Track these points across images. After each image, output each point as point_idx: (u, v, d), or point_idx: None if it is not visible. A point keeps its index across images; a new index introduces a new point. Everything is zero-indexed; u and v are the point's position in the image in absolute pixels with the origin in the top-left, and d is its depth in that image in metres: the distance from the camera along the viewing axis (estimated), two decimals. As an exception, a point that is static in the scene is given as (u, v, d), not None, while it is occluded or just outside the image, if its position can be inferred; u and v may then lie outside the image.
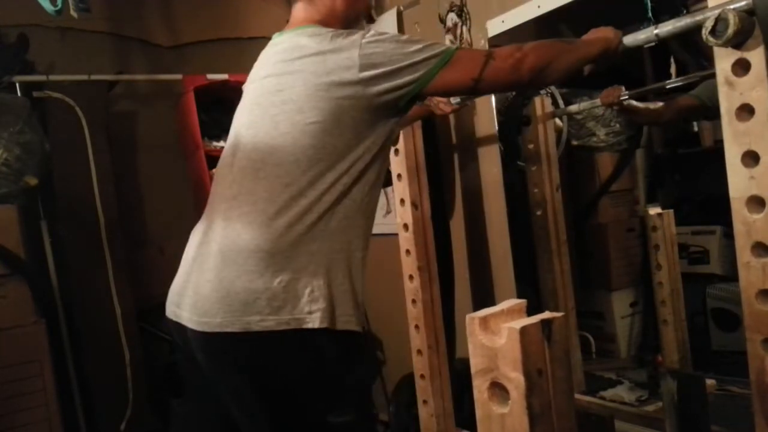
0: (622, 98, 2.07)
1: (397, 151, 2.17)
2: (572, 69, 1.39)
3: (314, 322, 1.18)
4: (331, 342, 1.21)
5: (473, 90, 1.33)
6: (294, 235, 1.21)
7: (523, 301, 0.84)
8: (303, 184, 1.23)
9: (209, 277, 1.25)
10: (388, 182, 2.36)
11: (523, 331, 0.76)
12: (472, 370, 0.80)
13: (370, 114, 1.27)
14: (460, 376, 2.29)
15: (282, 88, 1.30)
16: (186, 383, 1.47)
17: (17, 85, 2.61)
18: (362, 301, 1.28)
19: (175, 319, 1.33)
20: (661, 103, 2.36)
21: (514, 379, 0.76)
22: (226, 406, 1.33)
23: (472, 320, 0.80)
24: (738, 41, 1.08)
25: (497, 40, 2.36)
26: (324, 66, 1.26)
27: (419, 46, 1.27)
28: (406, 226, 2.18)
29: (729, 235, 1.27)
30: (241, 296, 1.19)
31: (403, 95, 1.28)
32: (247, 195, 1.27)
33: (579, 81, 1.61)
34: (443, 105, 2.16)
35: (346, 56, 1.25)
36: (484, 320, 0.79)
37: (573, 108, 2.57)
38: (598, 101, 2.33)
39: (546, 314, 0.80)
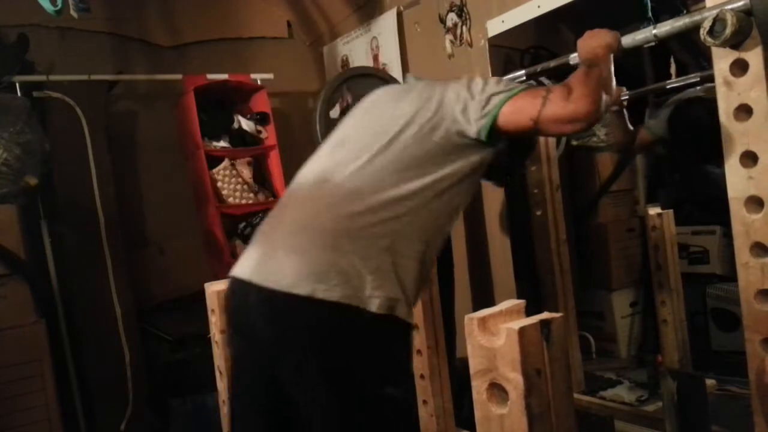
0: (622, 98, 2.07)
1: (396, 151, 2.17)
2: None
3: (373, 306, 1.24)
4: (385, 326, 1.28)
5: (534, 130, 1.37)
6: (368, 224, 1.28)
7: (521, 302, 0.84)
8: (390, 182, 1.31)
9: (289, 243, 1.31)
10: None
11: (522, 331, 0.76)
12: (471, 370, 0.80)
13: (461, 139, 1.36)
14: (460, 376, 2.29)
15: (410, 95, 1.44)
16: (235, 367, 1.50)
17: (17, 85, 2.62)
18: (414, 301, 1.36)
19: (242, 276, 1.35)
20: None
21: (513, 380, 0.76)
22: (273, 388, 1.35)
23: (471, 321, 0.80)
24: (736, 41, 1.08)
25: (497, 40, 2.36)
26: (444, 85, 1.42)
27: (500, 83, 1.38)
28: (405, 226, 2.17)
29: (729, 235, 1.27)
30: (313, 266, 1.25)
31: (482, 127, 1.34)
32: (336, 179, 1.36)
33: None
34: None
35: (460, 82, 1.40)
36: (483, 321, 0.79)
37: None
38: None
39: (545, 315, 0.80)
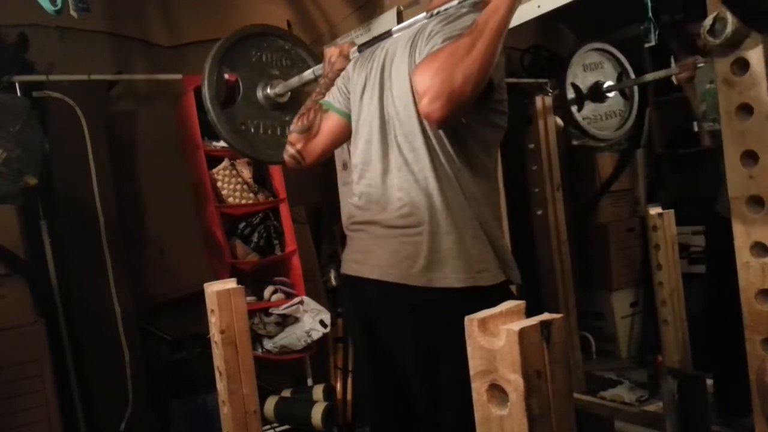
0: (698, 66, 1.99)
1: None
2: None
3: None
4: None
5: None
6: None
7: (521, 302, 0.83)
8: None
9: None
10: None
11: (522, 332, 0.75)
12: (471, 371, 0.80)
13: None
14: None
15: None
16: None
17: (17, 85, 2.61)
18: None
19: (355, 274, 1.49)
20: None
21: (513, 381, 0.76)
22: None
23: (470, 322, 0.79)
24: (736, 40, 1.08)
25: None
26: None
27: None
28: (405, 226, 2.17)
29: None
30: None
31: None
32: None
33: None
34: None
35: None
36: (483, 322, 0.79)
37: (649, 77, 2.45)
38: (674, 69, 2.17)
39: (545, 315, 0.80)
